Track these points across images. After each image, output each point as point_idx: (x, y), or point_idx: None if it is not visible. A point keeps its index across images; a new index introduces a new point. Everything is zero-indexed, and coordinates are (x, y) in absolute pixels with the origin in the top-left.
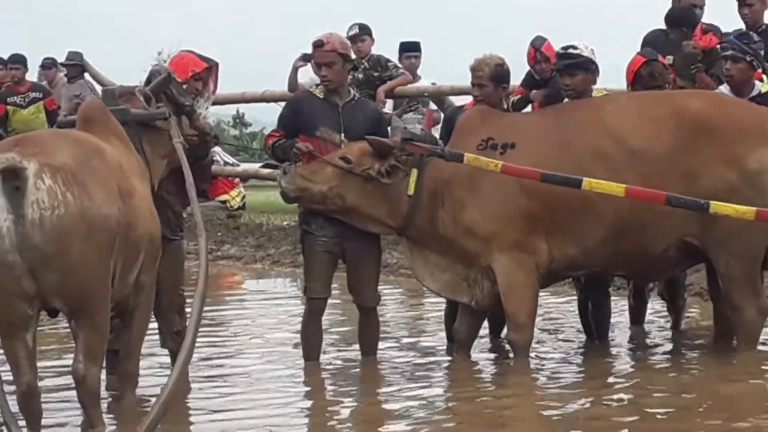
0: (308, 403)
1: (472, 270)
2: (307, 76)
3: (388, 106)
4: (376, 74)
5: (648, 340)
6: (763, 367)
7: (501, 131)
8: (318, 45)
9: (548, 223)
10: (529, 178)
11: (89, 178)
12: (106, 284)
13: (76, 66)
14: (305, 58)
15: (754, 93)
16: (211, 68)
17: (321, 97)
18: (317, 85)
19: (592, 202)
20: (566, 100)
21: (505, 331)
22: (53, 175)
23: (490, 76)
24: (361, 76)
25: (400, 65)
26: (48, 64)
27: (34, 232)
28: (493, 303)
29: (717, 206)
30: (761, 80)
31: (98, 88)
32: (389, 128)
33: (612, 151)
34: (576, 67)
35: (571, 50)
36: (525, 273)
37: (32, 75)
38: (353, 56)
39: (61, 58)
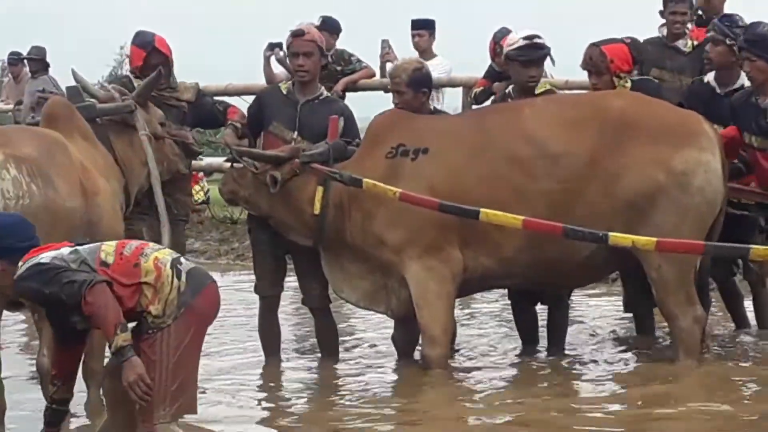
0: (262, 399)
1: (390, 278)
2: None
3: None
4: (339, 68)
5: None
6: None
7: (413, 136)
8: (298, 34)
9: (462, 232)
10: (427, 207)
11: (54, 171)
12: None
13: (40, 61)
14: (272, 47)
15: (737, 85)
16: (153, 49)
17: (284, 93)
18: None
19: (507, 208)
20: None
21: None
22: (18, 166)
23: (408, 82)
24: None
25: (363, 59)
26: (13, 60)
27: None
28: (409, 312)
29: (615, 238)
30: None
31: (63, 85)
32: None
33: (529, 156)
34: (543, 60)
35: (537, 40)
36: (438, 282)
37: None
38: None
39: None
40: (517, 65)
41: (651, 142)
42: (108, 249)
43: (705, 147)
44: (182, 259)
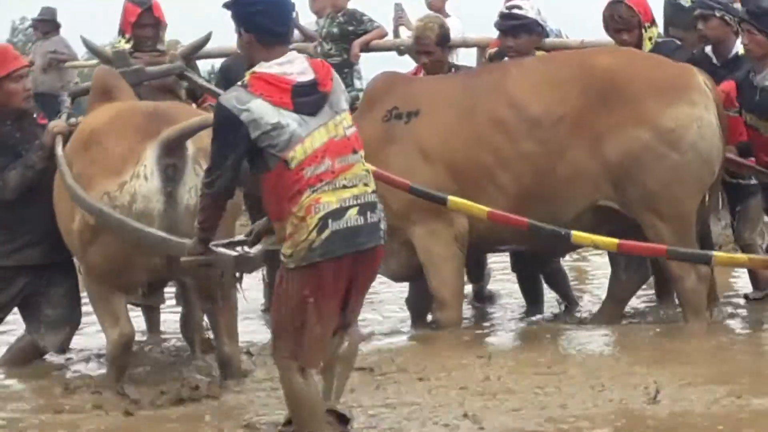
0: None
1: (391, 242)
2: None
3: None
4: (351, 28)
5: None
6: None
7: (406, 99)
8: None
9: (462, 195)
10: (398, 187)
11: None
12: None
13: (50, 21)
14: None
15: (731, 54)
16: (149, 9)
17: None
18: None
19: (490, 172)
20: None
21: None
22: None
23: (437, 41)
24: (336, 30)
25: (375, 19)
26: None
27: (187, 218)
28: (410, 275)
29: (578, 237)
30: None
31: (72, 44)
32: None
33: (511, 118)
34: (520, 29)
35: (515, 11)
36: (443, 245)
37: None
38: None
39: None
40: (500, 35)
41: (638, 100)
42: (300, 152)
43: (697, 101)
44: (341, 219)
